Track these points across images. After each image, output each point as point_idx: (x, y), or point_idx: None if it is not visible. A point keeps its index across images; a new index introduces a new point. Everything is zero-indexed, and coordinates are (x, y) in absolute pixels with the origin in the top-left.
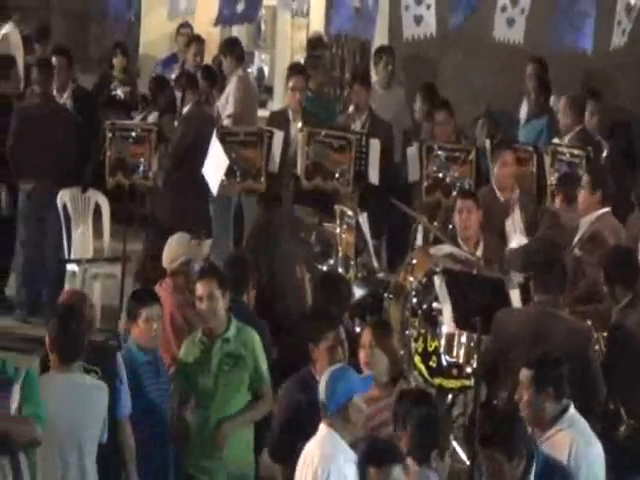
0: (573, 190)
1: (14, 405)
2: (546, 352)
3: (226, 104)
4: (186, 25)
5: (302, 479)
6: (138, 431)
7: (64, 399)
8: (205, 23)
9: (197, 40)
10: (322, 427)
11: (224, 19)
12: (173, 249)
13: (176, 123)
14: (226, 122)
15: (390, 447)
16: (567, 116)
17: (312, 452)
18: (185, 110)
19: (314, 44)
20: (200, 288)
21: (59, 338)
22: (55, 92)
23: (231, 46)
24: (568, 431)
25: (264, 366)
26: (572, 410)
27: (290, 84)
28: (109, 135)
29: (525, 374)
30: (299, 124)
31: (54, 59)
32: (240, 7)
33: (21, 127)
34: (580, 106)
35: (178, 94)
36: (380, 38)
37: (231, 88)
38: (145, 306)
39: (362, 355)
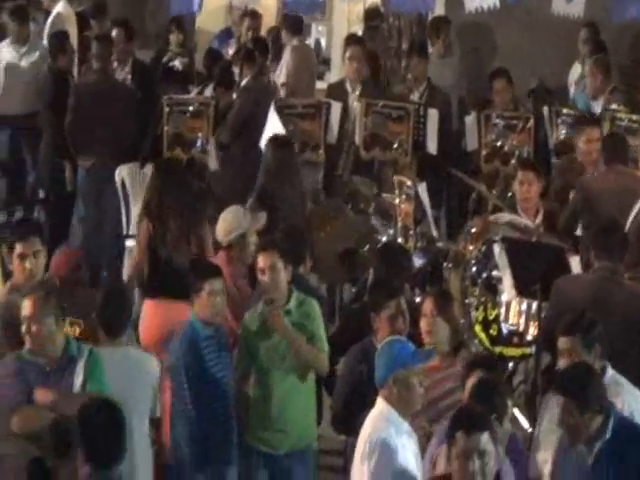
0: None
1: (78, 383)
2: (580, 316)
3: (280, 74)
4: None
5: (357, 451)
6: (201, 406)
7: (112, 373)
8: None
9: (251, 14)
10: (378, 399)
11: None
12: (228, 222)
13: (234, 96)
14: (281, 92)
15: (480, 415)
16: (596, 79)
17: (366, 424)
18: (243, 83)
19: (371, 15)
20: (262, 260)
21: (105, 312)
22: (116, 65)
23: (288, 16)
24: (615, 390)
25: (323, 336)
26: (610, 370)
27: (347, 54)
28: (167, 110)
29: (564, 340)
30: (357, 94)
31: (113, 32)
32: None
33: (79, 103)
34: (606, 66)
35: (236, 69)
36: (437, 8)
37: (285, 58)
38: (208, 280)
39: (423, 325)
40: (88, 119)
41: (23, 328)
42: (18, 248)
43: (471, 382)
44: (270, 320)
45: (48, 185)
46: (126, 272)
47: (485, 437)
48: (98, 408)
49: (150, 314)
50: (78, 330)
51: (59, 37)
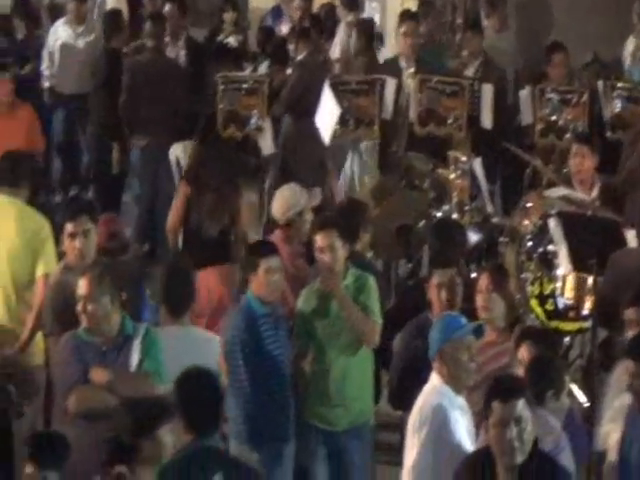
0: None
1: (134, 362)
2: None
3: (335, 51)
4: None
5: (410, 423)
6: (257, 383)
7: (174, 352)
8: None
9: None
10: (432, 373)
11: None
12: (285, 200)
13: (289, 71)
14: (335, 68)
15: (515, 382)
16: None
17: (419, 398)
18: (298, 59)
19: None
20: (320, 240)
21: (168, 291)
22: (168, 41)
23: None
24: None
25: (377, 310)
26: None
27: (402, 30)
28: (221, 87)
29: (632, 311)
30: (411, 70)
31: (166, 7)
32: None
33: (133, 82)
34: None
35: (291, 47)
36: None
37: (340, 34)
38: (264, 257)
39: (479, 300)
40: (142, 98)
41: (79, 307)
42: (68, 227)
43: (521, 354)
44: (327, 284)
45: (95, 165)
46: None
47: (521, 404)
48: (196, 376)
49: None
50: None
51: (114, 16)
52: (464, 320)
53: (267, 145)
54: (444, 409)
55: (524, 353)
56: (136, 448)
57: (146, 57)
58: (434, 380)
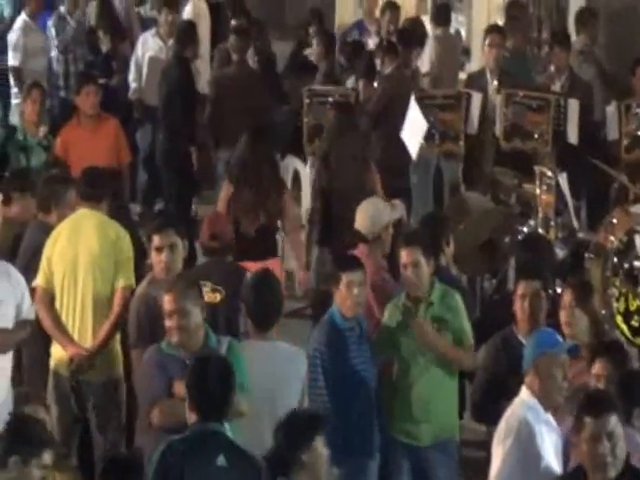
0: None
1: None
2: None
3: (423, 64)
4: None
5: (495, 436)
6: (341, 397)
7: (260, 367)
8: None
9: (392, 7)
10: (522, 387)
11: None
12: (369, 215)
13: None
14: (424, 82)
15: (607, 397)
16: None
17: (506, 411)
18: (385, 73)
19: (511, 5)
20: (405, 256)
21: (254, 305)
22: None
23: (436, 6)
24: None
25: (467, 328)
26: None
27: (487, 41)
28: (307, 101)
29: None
30: (495, 82)
31: (248, 25)
32: None
33: (219, 95)
34: None
35: (378, 61)
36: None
37: (429, 48)
38: (346, 271)
39: (562, 316)
40: (228, 110)
41: (167, 322)
42: (155, 240)
43: (595, 370)
44: (414, 328)
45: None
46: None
47: (614, 419)
48: (207, 361)
49: None
50: (219, 297)
51: (188, 27)
52: (560, 338)
53: None
54: (530, 423)
55: (599, 369)
56: (295, 460)
57: (231, 70)
58: (523, 394)
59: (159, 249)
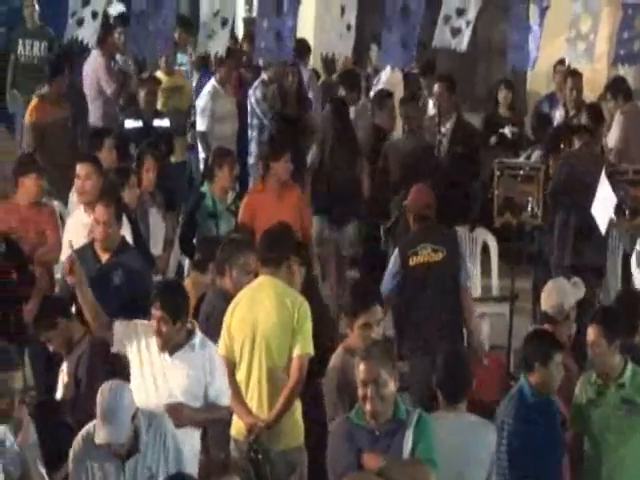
0: None
1: (408, 448)
2: None
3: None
4: (562, 62)
5: None
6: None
7: (448, 440)
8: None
9: (573, 75)
10: None
11: (620, 58)
12: (558, 296)
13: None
14: (610, 157)
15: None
16: None
17: None
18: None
19: None
20: (589, 335)
21: (445, 378)
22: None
23: (617, 84)
24: None
25: None
26: None
27: None
28: (497, 173)
29: None
30: None
31: (436, 87)
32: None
33: (388, 165)
34: None
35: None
36: None
37: (616, 124)
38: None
39: None
40: (398, 180)
41: (360, 391)
42: (361, 319)
43: None
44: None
45: None
46: None
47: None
48: None
49: None
50: (441, 255)
51: (383, 97)
52: None
53: None
54: None
55: None
56: None
57: (402, 138)
58: None
59: (366, 326)
